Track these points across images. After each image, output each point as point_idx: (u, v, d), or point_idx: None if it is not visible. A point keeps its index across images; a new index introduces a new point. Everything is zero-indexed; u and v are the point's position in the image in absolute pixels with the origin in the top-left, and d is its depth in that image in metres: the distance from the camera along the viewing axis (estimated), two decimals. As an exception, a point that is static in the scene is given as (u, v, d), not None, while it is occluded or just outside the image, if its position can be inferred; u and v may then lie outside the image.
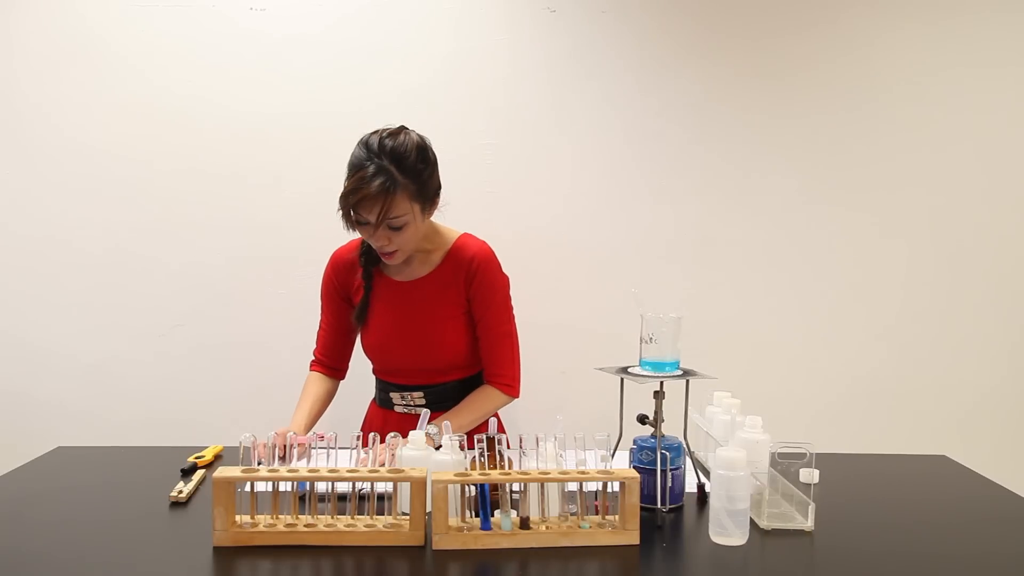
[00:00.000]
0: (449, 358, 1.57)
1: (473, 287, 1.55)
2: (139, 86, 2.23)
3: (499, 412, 1.65)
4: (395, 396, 1.62)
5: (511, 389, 1.59)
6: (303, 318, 2.29)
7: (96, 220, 2.26)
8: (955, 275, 2.34)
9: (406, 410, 1.62)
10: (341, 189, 1.43)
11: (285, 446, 1.20)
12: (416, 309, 1.56)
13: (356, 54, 2.25)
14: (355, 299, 1.62)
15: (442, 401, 1.58)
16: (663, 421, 1.22)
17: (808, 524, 1.14)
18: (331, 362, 1.67)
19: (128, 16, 2.22)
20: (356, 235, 1.54)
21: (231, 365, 2.30)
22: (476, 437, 1.11)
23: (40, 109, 2.23)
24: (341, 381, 1.71)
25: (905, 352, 2.36)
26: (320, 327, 1.68)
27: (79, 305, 2.28)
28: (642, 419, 1.24)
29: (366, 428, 1.70)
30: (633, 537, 1.08)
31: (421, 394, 1.60)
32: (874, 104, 2.30)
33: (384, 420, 1.64)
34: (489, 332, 1.58)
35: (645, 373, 1.20)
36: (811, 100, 2.30)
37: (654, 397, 1.23)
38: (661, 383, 1.22)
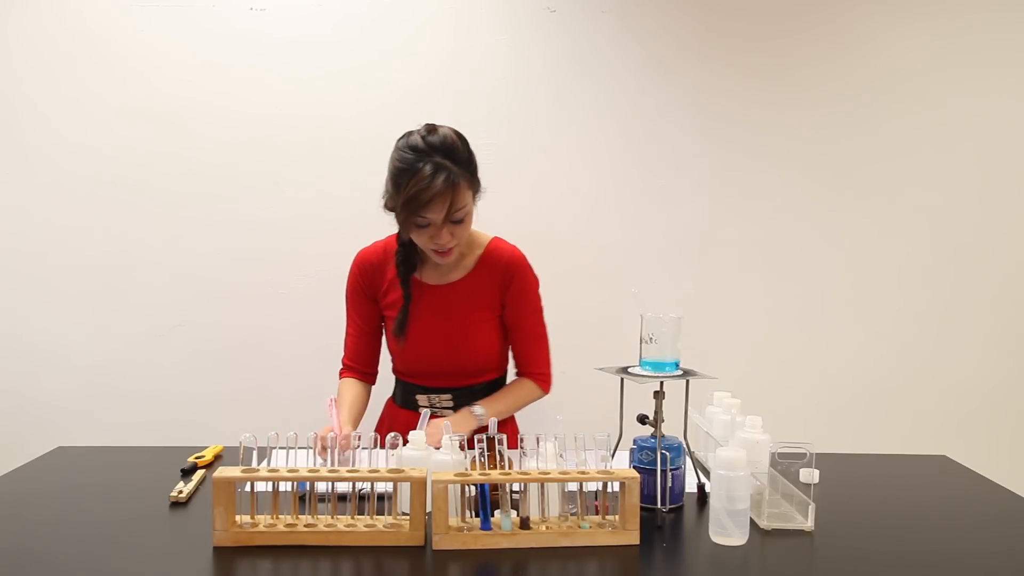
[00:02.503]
0: (481, 361, 1.58)
1: (510, 292, 1.56)
2: (138, 87, 2.23)
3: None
4: (421, 398, 1.61)
5: (546, 384, 1.63)
6: (303, 318, 2.30)
7: (96, 221, 2.26)
8: (956, 275, 2.35)
9: (432, 412, 1.59)
10: (389, 200, 1.42)
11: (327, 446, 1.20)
12: (451, 312, 1.56)
13: (356, 54, 2.25)
14: (383, 301, 1.60)
15: (469, 403, 1.57)
16: (663, 421, 1.22)
17: (808, 524, 1.14)
18: (362, 367, 1.64)
19: (127, 16, 2.22)
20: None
21: (231, 365, 2.30)
22: (476, 437, 1.11)
23: (39, 110, 2.23)
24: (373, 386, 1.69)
25: (905, 352, 2.36)
26: (347, 332, 1.65)
27: (79, 306, 2.28)
28: (642, 419, 1.24)
29: (384, 429, 1.67)
30: (633, 537, 1.08)
31: (449, 396, 1.59)
32: (874, 105, 2.30)
33: (407, 421, 1.61)
34: (526, 334, 1.61)
35: (645, 373, 1.20)
36: (811, 101, 2.30)
37: (654, 397, 1.23)
38: (661, 383, 1.22)
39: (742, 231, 2.33)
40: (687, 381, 1.22)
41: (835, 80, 2.29)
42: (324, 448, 1.23)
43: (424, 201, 1.36)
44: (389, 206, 1.45)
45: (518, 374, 1.64)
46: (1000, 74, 2.29)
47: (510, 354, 1.66)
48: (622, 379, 1.23)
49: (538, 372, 1.62)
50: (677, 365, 1.21)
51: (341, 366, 1.66)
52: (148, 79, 2.23)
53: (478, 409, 1.49)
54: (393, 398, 1.69)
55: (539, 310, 1.62)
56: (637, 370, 1.22)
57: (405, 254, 1.55)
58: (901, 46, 2.29)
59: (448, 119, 2.38)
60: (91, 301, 2.28)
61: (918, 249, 2.34)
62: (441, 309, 1.56)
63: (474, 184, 1.45)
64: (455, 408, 1.57)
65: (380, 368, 1.69)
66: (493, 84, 2.26)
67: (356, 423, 1.57)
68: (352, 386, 1.61)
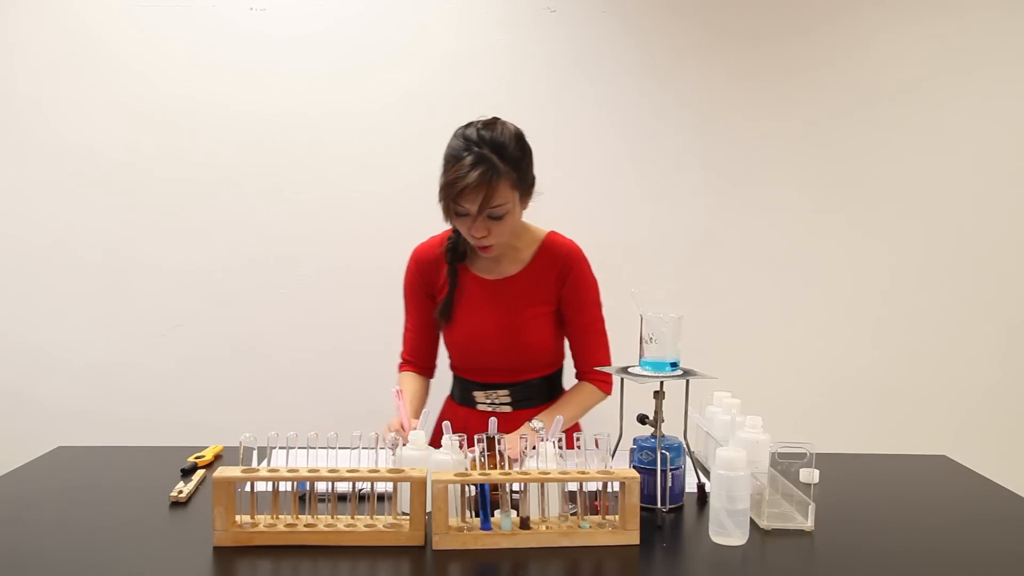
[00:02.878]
0: (537, 356, 1.57)
1: (567, 286, 1.55)
2: (138, 87, 2.23)
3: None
4: (479, 395, 1.61)
5: (607, 386, 1.60)
6: (302, 318, 2.30)
7: (96, 221, 2.26)
8: (956, 275, 2.35)
9: (490, 408, 1.60)
10: (440, 182, 1.43)
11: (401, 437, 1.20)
12: (507, 307, 1.55)
13: (356, 54, 2.25)
14: (439, 296, 1.60)
15: (526, 399, 1.58)
16: (663, 421, 1.22)
17: (808, 524, 1.14)
18: (420, 361, 1.65)
19: (127, 17, 2.22)
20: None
21: (231, 365, 2.30)
22: (476, 437, 1.11)
23: (39, 110, 2.23)
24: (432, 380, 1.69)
25: (905, 352, 2.36)
26: (405, 328, 1.66)
27: (79, 306, 2.28)
28: (642, 419, 1.24)
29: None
30: (633, 537, 1.08)
31: (506, 392, 1.59)
32: (872, 107, 2.30)
33: (466, 419, 1.60)
34: (584, 330, 1.58)
35: (645, 373, 1.20)
36: (810, 103, 2.30)
37: (654, 397, 1.23)
38: (661, 383, 1.22)
39: (742, 231, 2.33)
40: (687, 381, 1.22)
41: (834, 82, 2.29)
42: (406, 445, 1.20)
43: (457, 190, 1.37)
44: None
45: (577, 376, 1.61)
46: (1000, 75, 2.29)
47: (567, 347, 1.64)
48: (622, 379, 1.23)
49: (598, 374, 1.57)
50: (677, 365, 1.21)
51: (400, 360, 1.66)
52: (148, 79, 2.23)
53: (536, 423, 1.44)
54: (451, 395, 1.69)
55: (597, 304, 1.59)
56: (637, 370, 1.22)
57: (455, 241, 1.56)
58: (900, 49, 2.29)
59: (448, 119, 2.37)
60: (91, 301, 2.28)
61: (918, 249, 2.34)
62: (496, 303, 1.55)
63: (521, 184, 1.44)
64: (512, 404, 1.57)
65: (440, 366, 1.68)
66: (493, 84, 2.26)
67: (419, 412, 1.55)
68: (413, 379, 1.62)
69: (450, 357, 1.65)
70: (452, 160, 1.41)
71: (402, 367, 1.66)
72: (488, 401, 1.60)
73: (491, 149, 1.39)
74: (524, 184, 1.46)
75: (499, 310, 1.55)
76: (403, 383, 1.61)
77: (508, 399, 1.58)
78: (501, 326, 1.55)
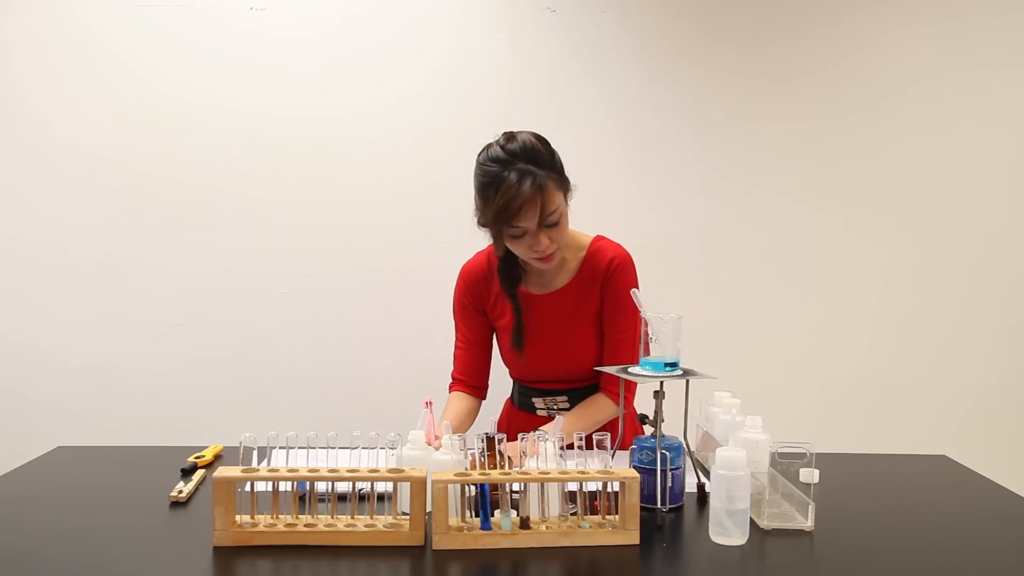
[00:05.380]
0: (592, 364, 1.53)
1: (607, 288, 1.51)
2: (138, 87, 2.23)
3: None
4: (538, 401, 1.60)
5: (620, 399, 1.54)
6: (302, 318, 2.30)
7: (96, 221, 2.26)
8: (958, 275, 2.35)
9: (548, 413, 1.60)
10: (481, 216, 1.41)
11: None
12: (558, 321, 1.53)
13: (357, 55, 2.25)
14: (491, 313, 1.58)
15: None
16: (663, 421, 1.22)
17: (808, 524, 1.14)
18: (472, 380, 1.60)
19: (127, 17, 2.22)
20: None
21: (231, 365, 2.30)
22: (478, 436, 1.11)
23: (38, 111, 2.23)
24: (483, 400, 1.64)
25: (905, 352, 2.36)
26: (456, 346, 1.62)
27: (79, 306, 2.28)
28: (642, 419, 1.24)
29: (504, 429, 1.62)
30: (633, 537, 1.08)
31: (565, 397, 1.58)
32: (872, 108, 2.30)
33: (524, 423, 1.58)
34: (614, 338, 1.52)
35: (645, 373, 1.20)
36: (809, 103, 2.30)
37: (654, 397, 1.23)
38: (661, 383, 1.22)
39: (742, 231, 2.33)
40: (687, 381, 1.22)
41: (834, 83, 2.29)
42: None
43: (515, 210, 1.34)
44: (482, 222, 1.42)
45: (600, 385, 1.55)
46: (1000, 76, 2.29)
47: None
48: (622, 379, 1.23)
49: (615, 388, 1.50)
50: (677, 365, 1.21)
51: (451, 380, 1.62)
52: (147, 79, 2.23)
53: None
54: (511, 399, 1.69)
55: (633, 315, 1.46)
56: (637, 370, 1.22)
57: (507, 269, 1.52)
58: (901, 50, 2.29)
59: (449, 119, 2.38)
60: (91, 301, 2.28)
61: (917, 249, 2.34)
62: (547, 318, 1.53)
63: (563, 184, 1.43)
64: (571, 408, 1.55)
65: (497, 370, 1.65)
66: (493, 84, 2.26)
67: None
68: (460, 399, 1.57)
69: (508, 367, 1.64)
70: (494, 186, 1.36)
71: (452, 387, 1.61)
72: (547, 407, 1.60)
73: (527, 160, 1.36)
74: (564, 183, 1.44)
75: (553, 325, 1.53)
76: (450, 403, 1.57)
77: (567, 404, 1.57)
78: (556, 341, 1.53)
